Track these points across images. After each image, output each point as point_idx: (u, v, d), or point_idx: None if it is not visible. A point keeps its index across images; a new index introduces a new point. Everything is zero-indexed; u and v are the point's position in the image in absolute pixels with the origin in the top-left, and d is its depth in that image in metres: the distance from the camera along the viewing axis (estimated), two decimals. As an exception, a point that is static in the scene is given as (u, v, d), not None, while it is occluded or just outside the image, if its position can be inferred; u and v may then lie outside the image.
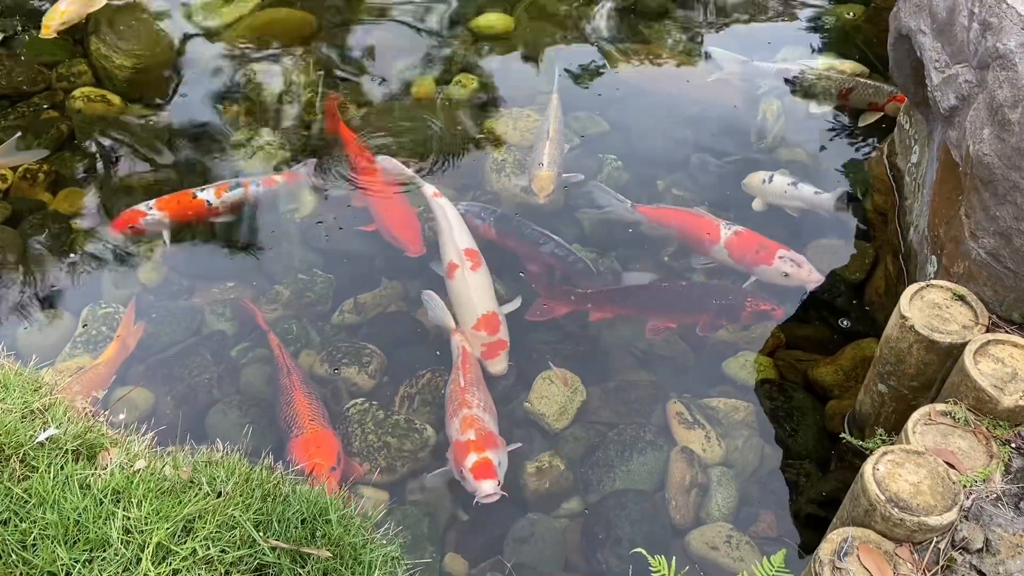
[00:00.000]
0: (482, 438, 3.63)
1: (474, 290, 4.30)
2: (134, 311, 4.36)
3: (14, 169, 5.05)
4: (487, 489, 3.49)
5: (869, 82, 5.55)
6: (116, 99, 5.56)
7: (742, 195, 5.09)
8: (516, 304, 4.42)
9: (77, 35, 5.96)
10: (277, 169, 5.12)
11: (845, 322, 4.42)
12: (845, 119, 5.59)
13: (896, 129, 5.01)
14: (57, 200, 5.00)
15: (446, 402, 3.92)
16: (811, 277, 4.39)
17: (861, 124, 5.46)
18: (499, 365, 4.13)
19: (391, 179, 4.83)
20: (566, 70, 5.87)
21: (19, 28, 6.01)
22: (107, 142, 5.34)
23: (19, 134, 5.04)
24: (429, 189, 4.81)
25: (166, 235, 4.71)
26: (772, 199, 4.97)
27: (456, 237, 4.51)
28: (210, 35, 6.13)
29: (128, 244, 4.75)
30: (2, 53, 5.78)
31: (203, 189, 4.81)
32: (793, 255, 4.45)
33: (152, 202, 4.74)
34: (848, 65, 5.80)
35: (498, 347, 4.16)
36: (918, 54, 3.78)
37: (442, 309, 4.29)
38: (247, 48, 6.01)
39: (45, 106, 5.48)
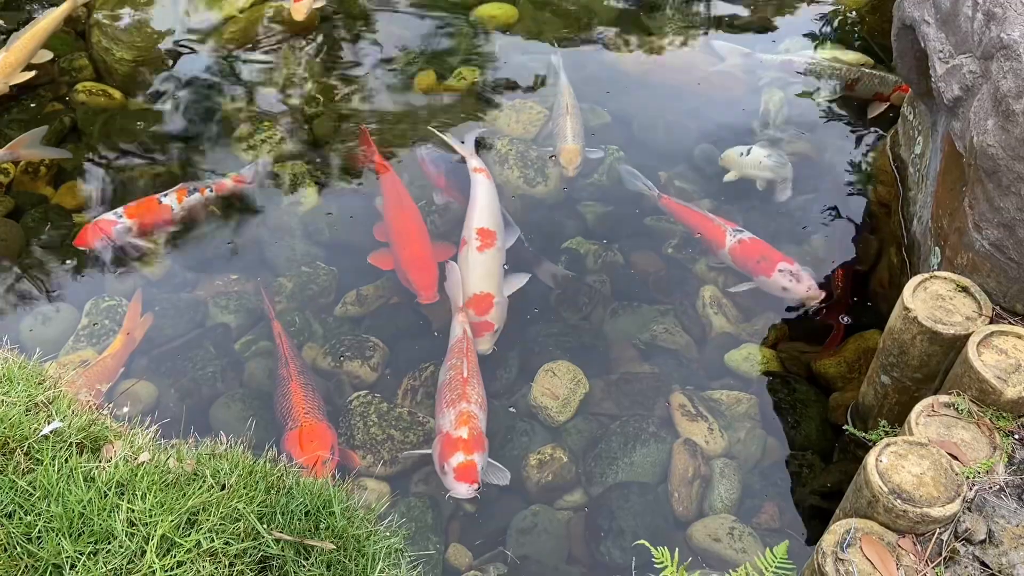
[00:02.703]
0: (473, 439, 3.61)
1: (472, 268, 4.31)
2: (140, 303, 4.37)
3: (16, 163, 5.05)
4: (464, 493, 3.51)
5: (875, 72, 5.53)
6: (117, 93, 5.56)
7: (744, 188, 5.09)
8: (523, 280, 4.41)
9: (79, 27, 5.96)
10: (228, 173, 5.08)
11: (846, 318, 4.40)
12: (848, 110, 5.57)
13: (900, 120, 5.00)
14: (59, 194, 5.01)
15: (441, 386, 3.89)
16: (810, 293, 4.32)
17: (870, 116, 5.44)
18: (482, 345, 4.14)
19: (416, 218, 4.70)
20: (567, 62, 5.85)
21: (21, 23, 6.00)
22: (108, 136, 5.33)
23: (46, 127, 5.02)
24: (473, 162, 4.85)
25: (140, 243, 4.63)
26: (747, 170, 5.04)
27: (475, 214, 4.53)
28: (211, 27, 6.11)
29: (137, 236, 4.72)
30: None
31: (166, 194, 4.77)
32: (795, 269, 4.38)
33: (120, 210, 4.68)
34: (852, 56, 5.78)
35: (483, 328, 4.15)
36: (922, 44, 3.76)
37: (456, 286, 4.29)
38: (248, 41, 6.00)
39: (31, 104, 5.44)
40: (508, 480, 3.75)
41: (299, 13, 5.79)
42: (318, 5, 5.94)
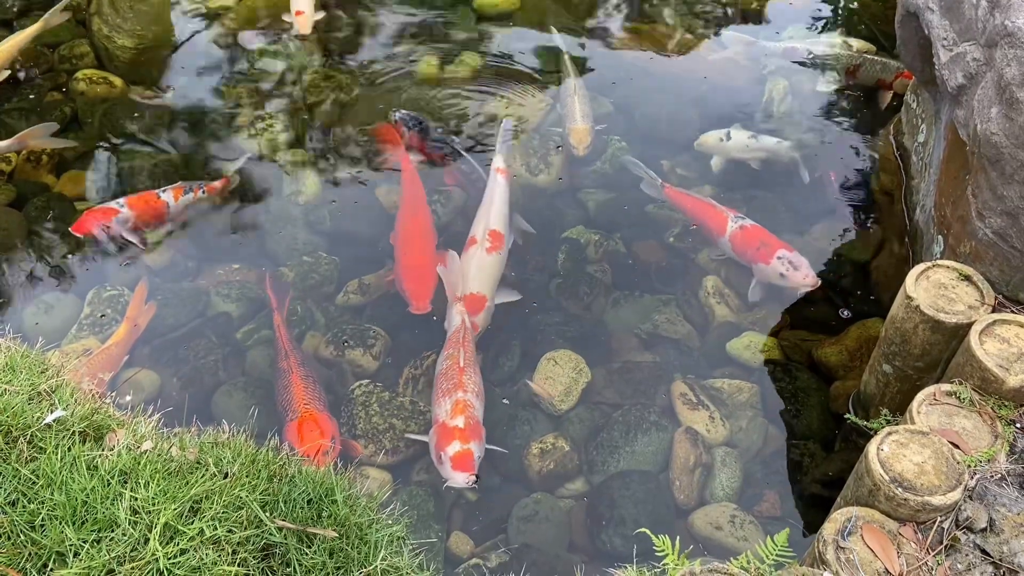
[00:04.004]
0: (470, 428, 3.61)
1: (476, 269, 4.30)
2: (145, 292, 4.37)
3: (18, 152, 5.04)
4: (460, 481, 3.51)
5: (876, 58, 5.51)
6: (118, 81, 5.55)
7: (747, 178, 5.08)
8: (513, 296, 4.39)
9: (80, 15, 5.94)
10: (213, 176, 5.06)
11: (846, 312, 4.39)
12: (851, 98, 5.55)
13: (903, 108, 4.98)
14: (61, 182, 5.01)
15: (438, 376, 3.88)
16: (806, 281, 4.30)
17: (882, 107, 5.42)
18: None
19: (424, 226, 4.62)
20: (569, 51, 5.83)
21: (18, 11, 5.99)
22: (109, 124, 5.32)
23: (56, 124, 4.99)
24: (497, 161, 4.83)
25: (133, 238, 4.61)
26: (734, 154, 5.05)
27: (490, 214, 4.52)
28: (211, 15, 6.09)
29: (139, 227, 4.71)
30: (4, 35, 5.75)
31: (165, 190, 4.77)
32: (793, 257, 4.35)
33: (122, 200, 4.67)
34: (856, 43, 5.76)
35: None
36: (926, 32, 3.74)
37: (455, 274, 4.27)
38: (248, 28, 5.98)
39: (29, 95, 5.41)
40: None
41: (304, 27, 5.77)
42: (319, 17, 5.90)
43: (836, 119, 5.47)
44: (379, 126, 5.32)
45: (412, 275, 4.36)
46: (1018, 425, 2.93)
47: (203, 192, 4.85)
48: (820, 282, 4.33)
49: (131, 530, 2.38)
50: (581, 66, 5.70)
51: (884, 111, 5.39)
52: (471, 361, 3.90)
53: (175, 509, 2.43)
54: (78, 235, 4.55)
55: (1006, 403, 2.96)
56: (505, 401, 4.07)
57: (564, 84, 5.40)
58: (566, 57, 5.58)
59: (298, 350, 4.09)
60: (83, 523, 2.39)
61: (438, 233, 4.65)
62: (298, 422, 3.70)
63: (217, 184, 4.90)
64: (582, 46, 5.93)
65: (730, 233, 4.53)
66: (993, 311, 3.18)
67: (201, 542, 2.39)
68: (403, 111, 5.29)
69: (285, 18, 5.93)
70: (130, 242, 4.63)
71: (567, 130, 5.12)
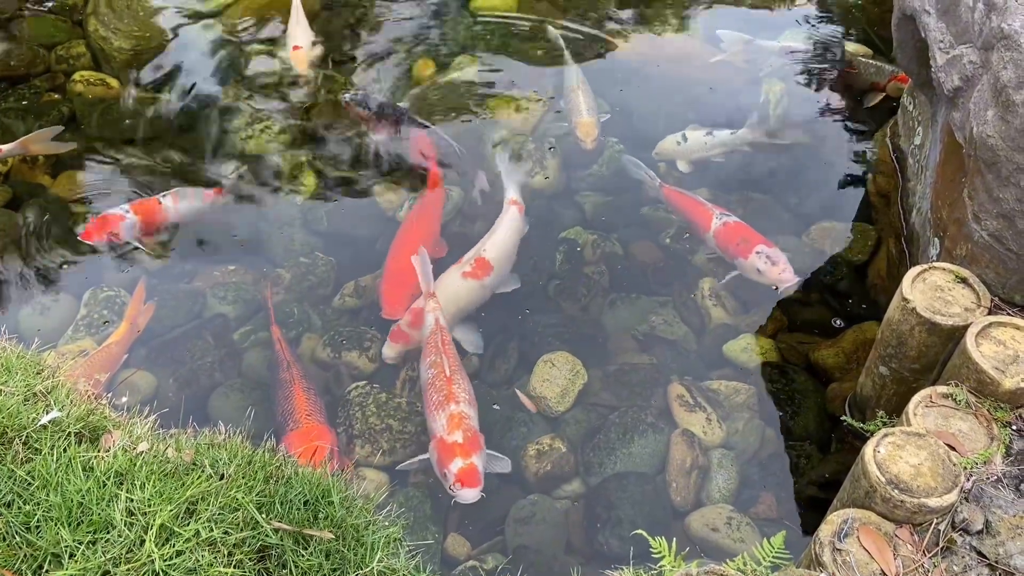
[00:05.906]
0: (469, 441, 3.54)
1: (444, 287, 4.22)
2: (144, 292, 4.37)
3: (16, 155, 5.03)
4: (470, 498, 3.45)
5: (871, 61, 5.52)
6: (114, 82, 5.54)
7: (746, 177, 5.08)
8: (476, 346, 4.23)
9: (76, 16, 5.94)
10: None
11: (839, 322, 4.38)
12: (847, 100, 5.56)
13: (900, 110, 4.99)
14: (57, 183, 5.00)
15: (426, 386, 3.80)
16: (782, 277, 4.26)
17: (866, 106, 5.44)
18: (387, 351, 4.14)
19: (424, 237, 4.51)
20: (568, 49, 5.84)
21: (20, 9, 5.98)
22: (106, 126, 5.31)
23: (61, 127, 4.98)
24: (510, 193, 4.70)
25: (142, 244, 4.61)
26: (695, 155, 5.07)
27: (488, 242, 4.41)
28: (209, 15, 6.09)
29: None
30: (1, 35, 5.75)
31: (164, 195, 4.76)
32: (771, 252, 4.32)
33: (127, 206, 4.67)
34: (853, 46, 5.78)
35: (400, 336, 4.14)
36: (922, 34, 3.75)
37: (427, 268, 4.19)
38: (246, 28, 5.98)
39: (23, 101, 5.40)
40: (509, 468, 3.71)
41: (300, 64, 5.65)
42: (316, 53, 5.84)
43: (832, 121, 5.47)
44: (411, 138, 5.28)
45: (390, 281, 4.31)
46: (1014, 427, 2.93)
47: (200, 200, 4.84)
48: (799, 279, 4.30)
49: (127, 531, 2.37)
50: (581, 64, 5.70)
51: (880, 114, 5.40)
52: (457, 367, 3.81)
53: (171, 511, 2.42)
54: (87, 242, 4.53)
55: (1002, 405, 2.97)
56: (496, 407, 4.06)
57: (566, 79, 5.40)
58: (567, 54, 5.59)
59: (299, 361, 4.08)
60: (79, 524, 2.39)
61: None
62: (299, 432, 3.68)
63: (211, 193, 4.90)
64: (578, 51, 5.93)
65: (714, 229, 4.55)
66: (989, 313, 3.19)
67: (197, 544, 2.38)
68: (351, 92, 5.33)
69: (281, 55, 5.87)
70: (137, 247, 4.62)
71: (573, 124, 5.13)
